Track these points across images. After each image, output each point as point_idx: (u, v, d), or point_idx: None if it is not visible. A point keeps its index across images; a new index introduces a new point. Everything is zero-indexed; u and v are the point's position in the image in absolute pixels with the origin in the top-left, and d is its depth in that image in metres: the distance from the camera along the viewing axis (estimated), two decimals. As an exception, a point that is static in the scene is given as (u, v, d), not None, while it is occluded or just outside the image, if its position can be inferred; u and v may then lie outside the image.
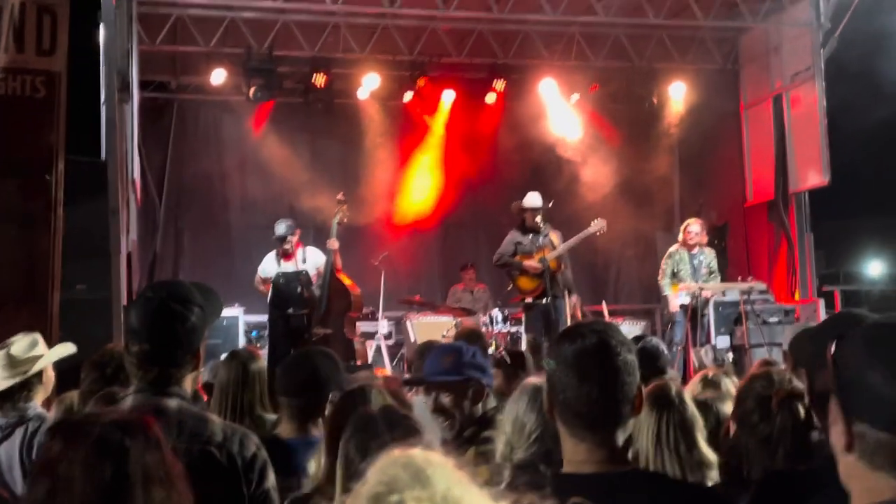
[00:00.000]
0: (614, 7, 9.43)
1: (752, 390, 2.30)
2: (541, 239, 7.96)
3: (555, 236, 8.02)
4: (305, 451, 2.17)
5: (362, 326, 8.84)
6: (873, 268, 11.60)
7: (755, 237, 10.84)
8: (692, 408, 2.23)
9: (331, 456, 1.81)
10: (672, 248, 8.53)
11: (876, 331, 1.06)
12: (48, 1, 5.43)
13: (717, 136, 10.92)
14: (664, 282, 8.45)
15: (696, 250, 8.32)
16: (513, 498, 0.68)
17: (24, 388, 3.18)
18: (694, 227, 8.41)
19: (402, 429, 1.71)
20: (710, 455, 2.16)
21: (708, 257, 8.43)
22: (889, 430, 0.96)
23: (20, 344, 3.22)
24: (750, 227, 10.91)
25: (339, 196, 8.10)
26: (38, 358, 3.25)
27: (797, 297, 9.79)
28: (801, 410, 2.09)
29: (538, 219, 7.95)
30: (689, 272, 8.35)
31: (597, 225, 8.12)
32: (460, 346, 2.96)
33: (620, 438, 1.58)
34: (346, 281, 7.82)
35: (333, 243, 7.70)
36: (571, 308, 8.23)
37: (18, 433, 3.00)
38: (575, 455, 1.56)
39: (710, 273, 8.39)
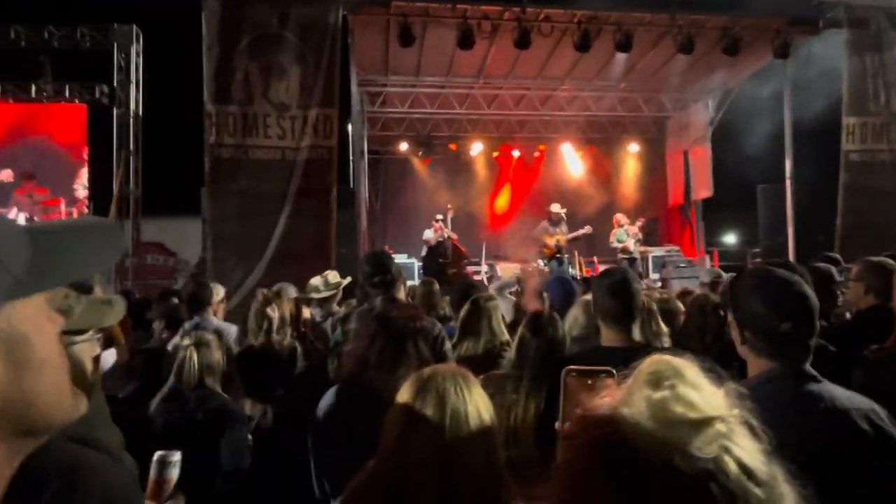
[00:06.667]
0: (603, 107, 13.44)
1: (696, 302, 2.94)
2: (558, 228, 10.64)
3: (564, 227, 10.57)
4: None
5: (472, 268, 11.69)
6: (729, 238, 15.87)
7: (673, 223, 14.54)
8: (654, 307, 2.74)
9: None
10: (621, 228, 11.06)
11: (754, 276, 1.48)
12: (328, 112, 7.61)
13: (654, 171, 14.67)
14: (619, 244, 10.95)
15: (625, 228, 11.01)
16: (725, 382, 0.68)
17: (332, 297, 4.13)
18: (622, 217, 11.19)
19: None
20: (664, 328, 2.64)
21: (631, 231, 10.94)
22: (762, 335, 1.34)
23: (331, 274, 4.19)
24: (670, 218, 14.64)
25: (448, 206, 11.34)
26: (339, 283, 4.20)
27: (695, 253, 12.93)
28: (721, 314, 2.65)
29: (558, 217, 10.59)
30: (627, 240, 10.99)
31: (587, 228, 10.77)
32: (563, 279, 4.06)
33: (634, 329, 2.12)
34: (460, 247, 11.03)
35: (452, 234, 10.72)
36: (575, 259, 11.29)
37: (329, 321, 3.78)
38: (608, 338, 2.10)
39: (637, 240, 10.96)
